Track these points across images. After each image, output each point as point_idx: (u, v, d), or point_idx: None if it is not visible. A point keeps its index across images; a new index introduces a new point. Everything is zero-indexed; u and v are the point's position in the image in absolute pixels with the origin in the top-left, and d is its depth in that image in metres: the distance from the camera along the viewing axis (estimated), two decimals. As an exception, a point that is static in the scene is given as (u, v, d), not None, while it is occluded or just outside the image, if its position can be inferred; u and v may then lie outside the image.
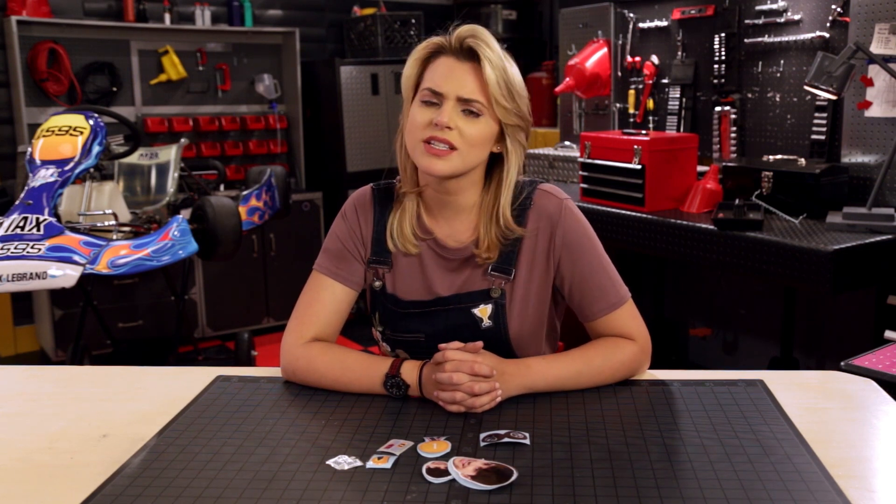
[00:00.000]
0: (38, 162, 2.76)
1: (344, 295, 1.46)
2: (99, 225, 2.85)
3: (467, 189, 1.43)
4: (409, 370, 1.34)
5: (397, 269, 1.47)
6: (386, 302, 1.46)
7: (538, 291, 1.44)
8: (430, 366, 1.32)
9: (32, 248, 2.45)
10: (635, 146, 2.99)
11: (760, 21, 3.24)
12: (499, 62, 1.35)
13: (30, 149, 2.83)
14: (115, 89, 4.70)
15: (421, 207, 1.47)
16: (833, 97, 2.75)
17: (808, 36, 3.07)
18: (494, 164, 1.44)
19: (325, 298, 1.45)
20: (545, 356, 1.40)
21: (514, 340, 1.43)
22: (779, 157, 3.03)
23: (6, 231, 2.50)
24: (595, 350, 1.40)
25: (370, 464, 1.09)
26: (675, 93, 3.62)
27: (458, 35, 1.36)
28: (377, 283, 1.47)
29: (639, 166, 2.99)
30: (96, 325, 3.81)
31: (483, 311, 1.42)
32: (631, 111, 3.86)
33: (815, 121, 3.06)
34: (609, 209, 3.08)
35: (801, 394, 1.33)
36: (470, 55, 1.35)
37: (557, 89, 3.96)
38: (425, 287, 1.45)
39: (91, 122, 2.89)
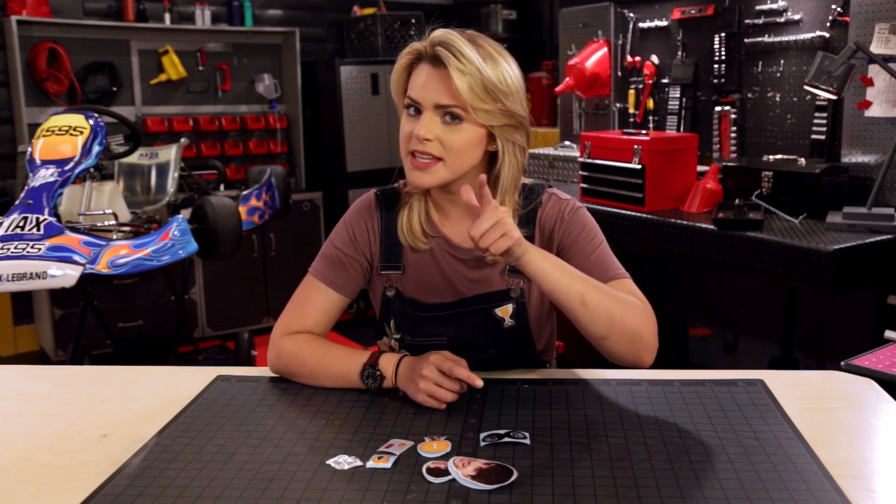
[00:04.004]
0: (38, 162, 2.76)
1: (336, 300, 1.47)
2: (99, 225, 2.85)
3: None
4: (387, 361, 1.33)
5: (410, 272, 1.46)
6: (405, 307, 1.45)
7: None
8: (410, 359, 1.32)
9: (32, 247, 2.45)
10: (635, 146, 2.99)
11: (760, 21, 3.24)
12: (472, 66, 1.28)
13: (30, 149, 2.83)
14: (115, 89, 4.70)
15: (430, 205, 1.46)
16: (833, 97, 2.75)
17: (808, 36, 3.07)
18: (496, 162, 1.39)
19: (317, 300, 1.46)
20: None
21: (536, 339, 1.46)
22: (779, 156, 3.03)
23: (6, 231, 2.50)
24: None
25: (370, 464, 1.09)
26: (675, 93, 3.62)
27: (431, 41, 1.32)
28: (390, 292, 1.46)
29: (639, 166, 2.99)
30: (96, 325, 3.81)
31: (504, 311, 1.43)
32: (631, 111, 3.86)
33: (815, 121, 3.06)
34: (609, 209, 3.08)
35: (801, 394, 1.33)
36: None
37: (557, 89, 3.96)
38: (447, 287, 1.44)
39: (91, 121, 2.89)
